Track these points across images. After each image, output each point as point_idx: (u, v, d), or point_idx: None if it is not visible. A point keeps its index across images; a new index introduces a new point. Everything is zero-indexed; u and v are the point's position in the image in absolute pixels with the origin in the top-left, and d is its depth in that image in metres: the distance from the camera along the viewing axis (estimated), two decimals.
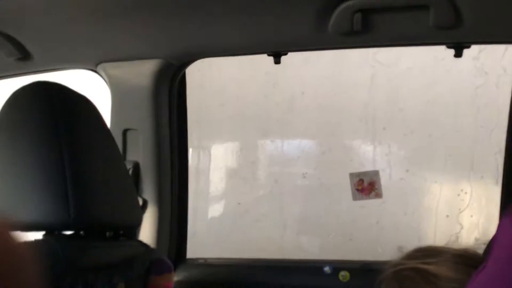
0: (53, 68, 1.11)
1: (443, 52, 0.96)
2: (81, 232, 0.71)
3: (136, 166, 1.07)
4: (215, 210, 1.96)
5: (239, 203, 1.94)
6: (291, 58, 1.01)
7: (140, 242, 0.85)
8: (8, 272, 0.24)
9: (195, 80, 1.64)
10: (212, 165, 1.98)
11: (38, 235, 0.67)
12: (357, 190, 1.78)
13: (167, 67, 1.05)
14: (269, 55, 0.99)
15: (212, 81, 1.90)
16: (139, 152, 1.08)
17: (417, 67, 1.74)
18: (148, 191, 1.08)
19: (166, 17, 0.87)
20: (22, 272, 0.26)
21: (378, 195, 1.75)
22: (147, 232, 1.07)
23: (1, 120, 0.65)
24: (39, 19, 0.89)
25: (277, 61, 0.99)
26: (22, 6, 0.84)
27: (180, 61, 1.06)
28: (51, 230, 0.66)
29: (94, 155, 0.68)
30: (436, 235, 1.71)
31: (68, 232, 0.69)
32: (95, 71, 1.11)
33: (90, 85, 1.15)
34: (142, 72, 1.04)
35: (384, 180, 1.67)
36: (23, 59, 1.02)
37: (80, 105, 0.70)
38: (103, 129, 0.74)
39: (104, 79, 1.09)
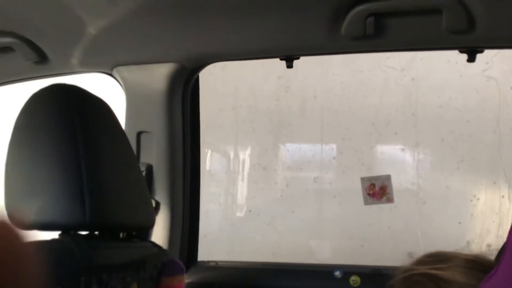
0: (69, 71, 1.12)
1: (456, 57, 0.96)
2: (96, 232, 0.72)
3: (150, 169, 1.08)
4: (227, 213, 1.97)
5: (250, 207, 1.94)
6: (303, 62, 1.02)
7: (153, 243, 0.86)
8: (5, 273, 0.24)
9: (208, 83, 1.65)
10: (224, 168, 1.99)
11: (54, 234, 0.68)
12: (369, 194, 1.77)
13: (181, 70, 1.06)
14: (281, 59, 1.00)
15: (224, 84, 1.91)
16: (153, 155, 1.09)
17: (429, 72, 1.73)
18: (160, 193, 1.09)
19: (180, 21, 0.88)
20: (21, 274, 0.26)
21: (390, 199, 1.75)
22: (159, 234, 1.08)
23: (21, 121, 0.67)
24: (56, 22, 0.91)
25: (290, 65, 1.00)
26: (40, 10, 0.86)
27: (193, 64, 1.07)
28: (67, 230, 0.67)
29: (109, 156, 0.70)
30: (447, 240, 1.70)
31: (83, 232, 0.70)
32: (111, 75, 1.12)
33: (105, 87, 1.17)
34: (156, 75, 1.06)
35: (395, 185, 1.66)
36: (40, 62, 1.04)
37: (96, 107, 0.72)
38: (118, 131, 0.75)
39: (119, 82, 1.11)
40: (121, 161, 0.73)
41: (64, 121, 0.65)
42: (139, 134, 1.10)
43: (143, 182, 0.86)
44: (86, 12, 0.87)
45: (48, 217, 0.64)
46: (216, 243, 1.82)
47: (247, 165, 1.97)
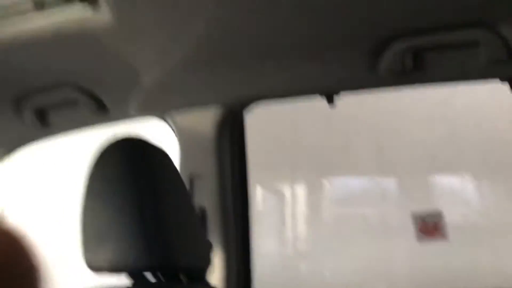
0: (124, 118, 1.21)
1: (499, 87, 0.96)
2: (158, 274, 0.76)
3: (203, 211, 1.12)
4: (278, 252, 1.97)
5: (301, 245, 1.94)
6: (347, 98, 1.04)
7: (210, 284, 0.89)
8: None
9: (253, 124, 1.70)
10: (273, 207, 2.01)
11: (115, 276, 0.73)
12: (421, 231, 1.72)
13: (229, 113, 1.12)
14: (322, 96, 1.03)
15: (269, 124, 1.96)
16: (205, 197, 1.13)
17: (473, 103, 1.71)
18: (214, 235, 1.12)
19: (227, 66, 0.95)
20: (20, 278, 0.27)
21: (443, 236, 1.69)
22: (215, 275, 1.11)
23: (93, 173, 0.74)
24: (113, 73, 1.00)
25: (331, 102, 1.03)
26: (98, 62, 0.96)
27: (240, 107, 1.13)
28: (135, 272, 0.73)
29: (169, 202, 0.75)
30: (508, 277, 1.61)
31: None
32: (164, 119, 1.20)
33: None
34: (205, 119, 1.12)
35: (448, 220, 1.62)
36: (98, 111, 1.14)
37: (158, 156, 0.78)
38: (177, 178, 0.81)
39: (171, 126, 1.18)
40: (181, 206, 0.78)
41: (132, 172, 0.72)
42: (192, 177, 1.15)
43: (200, 224, 0.90)
44: (141, 62, 0.96)
45: (111, 258, 0.69)
46: (269, 284, 1.81)
47: (295, 203, 1.98)
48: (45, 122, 1.17)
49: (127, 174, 0.72)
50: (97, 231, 0.72)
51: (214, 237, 1.12)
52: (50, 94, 1.08)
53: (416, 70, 0.88)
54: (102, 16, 0.78)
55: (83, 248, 0.71)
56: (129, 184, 0.71)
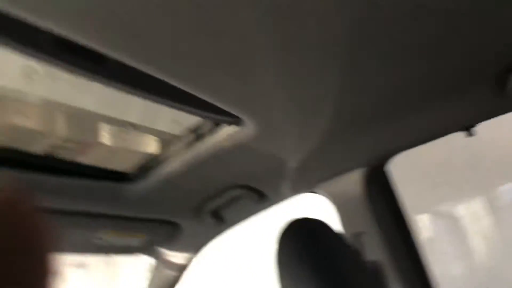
0: (282, 200, 1.36)
1: None
2: None
3: (376, 265, 1.18)
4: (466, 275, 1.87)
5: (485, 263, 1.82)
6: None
7: None
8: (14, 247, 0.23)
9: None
10: (448, 231, 1.94)
11: None
12: None
13: (374, 169, 1.19)
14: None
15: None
16: (373, 252, 1.19)
17: None
18: (394, 286, 1.16)
19: (365, 127, 1.01)
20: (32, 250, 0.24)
21: None
22: None
23: (279, 256, 0.85)
24: (266, 165, 1.15)
25: (470, 134, 1.03)
26: (250, 161, 1.11)
27: (383, 161, 1.19)
28: None
29: (346, 272, 0.83)
30: None
31: None
32: (314, 192, 1.31)
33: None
34: (354, 180, 1.20)
35: None
36: (259, 200, 1.30)
37: (334, 239, 0.88)
38: (348, 255, 0.89)
39: (324, 196, 1.29)
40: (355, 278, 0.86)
41: (312, 253, 0.82)
42: (356, 235, 1.22)
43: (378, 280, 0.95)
44: (285, 150, 1.09)
45: None
46: None
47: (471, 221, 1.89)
48: (220, 220, 1.37)
49: (307, 255, 0.82)
50: None
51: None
52: (220, 197, 1.27)
53: None
54: (247, 129, 0.94)
55: None
56: (309, 265, 0.81)
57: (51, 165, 0.96)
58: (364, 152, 1.15)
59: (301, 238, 0.85)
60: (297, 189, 1.32)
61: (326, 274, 0.79)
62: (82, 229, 1.14)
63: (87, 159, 1.02)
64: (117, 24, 0.52)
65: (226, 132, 0.97)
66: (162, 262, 1.59)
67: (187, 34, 0.57)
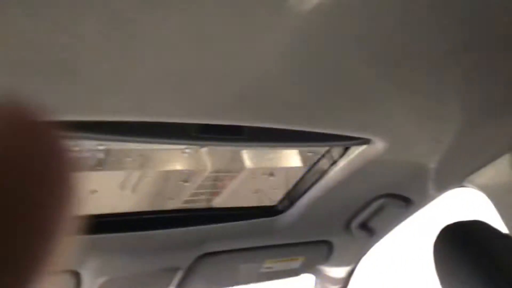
0: (429, 201, 1.33)
1: None
2: None
3: None
4: None
5: None
6: None
7: None
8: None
9: None
10: None
11: None
12: None
13: None
14: None
15: None
16: None
17: None
18: None
19: (499, 111, 0.96)
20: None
21: None
22: None
23: (437, 255, 0.85)
24: (402, 172, 1.15)
25: None
26: (388, 171, 1.12)
27: None
28: None
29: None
30: None
31: None
32: (463, 186, 1.27)
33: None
34: (503, 167, 1.14)
35: None
36: (406, 205, 1.29)
37: (495, 237, 0.85)
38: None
39: (475, 188, 1.23)
40: None
41: (471, 256, 0.80)
42: None
43: None
44: (412, 152, 1.07)
45: None
46: None
47: None
48: (370, 232, 1.40)
49: (468, 259, 0.80)
50: None
51: None
52: (366, 209, 1.31)
53: None
54: (377, 145, 0.97)
55: None
56: (470, 267, 0.79)
57: (211, 215, 1.11)
58: (506, 136, 1.09)
59: (457, 242, 0.83)
60: (443, 187, 1.29)
61: (489, 276, 0.76)
62: (251, 262, 1.28)
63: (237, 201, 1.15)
64: (253, 99, 0.60)
65: (356, 151, 1.02)
66: (323, 279, 1.67)
67: (315, 88, 0.63)
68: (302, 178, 1.18)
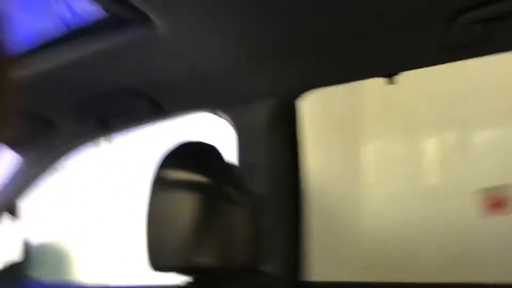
0: (180, 115, 1.22)
1: None
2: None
3: (261, 199, 1.12)
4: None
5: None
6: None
7: (266, 273, 0.90)
8: None
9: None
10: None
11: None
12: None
13: (283, 103, 1.10)
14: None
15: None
16: (262, 185, 1.13)
17: None
18: (273, 221, 1.12)
19: (280, 58, 0.93)
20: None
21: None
22: (273, 262, 1.11)
23: (158, 176, 0.76)
24: (170, 75, 1.00)
25: (391, 82, 0.97)
26: (156, 66, 0.96)
27: (294, 96, 1.11)
28: (193, 272, 0.76)
29: (228, 200, 0.77)
30: None
31: None
32: (217, 114, 1.20)
33: None
34: (260, 111, 1.11)
35: None
36: (155, 111, 1.16)
37: (216, 156, 0.81)
38: (230, 172, 0.82)
39: (226, 120, 1.18)
40: (237, 202, 0.79)
41: (194, 175, 0.75)
42: (250, 166, 1.15)
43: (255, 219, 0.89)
44: (195, 63, 0.94)
45: (181, 261, 0.72)
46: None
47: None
48: (105, 125, 1.22)
49: (189, 176, 0.74)
50: (158, 232, 0.74)
51: (273, 224, 1.12)
52: (112, 101, 1.11)
53: (485, 42, 0.82)
54: (154, 29, 0.79)
55: (147, 249, 0.74)
56: (189, 186, 0.73)
57: None
58: (275, 84, 1.05)
59: (186, 160, 0.77)
60: (198, 107, 1.20)
61: (200, 194, 0.73)
62: None
63: None
64: None
65: (130, 29, 0.83)
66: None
67: None
68: None
